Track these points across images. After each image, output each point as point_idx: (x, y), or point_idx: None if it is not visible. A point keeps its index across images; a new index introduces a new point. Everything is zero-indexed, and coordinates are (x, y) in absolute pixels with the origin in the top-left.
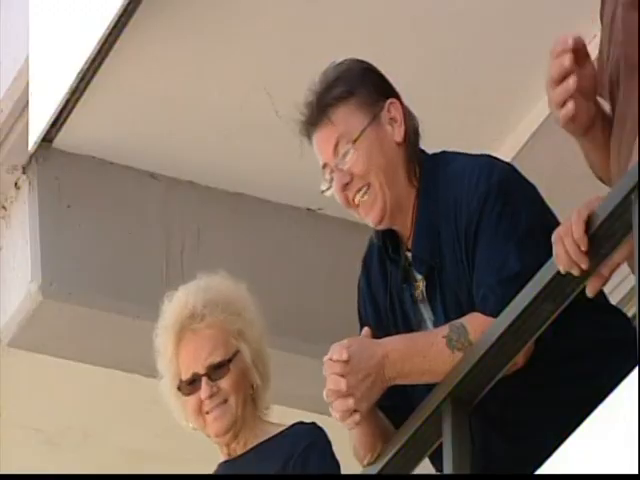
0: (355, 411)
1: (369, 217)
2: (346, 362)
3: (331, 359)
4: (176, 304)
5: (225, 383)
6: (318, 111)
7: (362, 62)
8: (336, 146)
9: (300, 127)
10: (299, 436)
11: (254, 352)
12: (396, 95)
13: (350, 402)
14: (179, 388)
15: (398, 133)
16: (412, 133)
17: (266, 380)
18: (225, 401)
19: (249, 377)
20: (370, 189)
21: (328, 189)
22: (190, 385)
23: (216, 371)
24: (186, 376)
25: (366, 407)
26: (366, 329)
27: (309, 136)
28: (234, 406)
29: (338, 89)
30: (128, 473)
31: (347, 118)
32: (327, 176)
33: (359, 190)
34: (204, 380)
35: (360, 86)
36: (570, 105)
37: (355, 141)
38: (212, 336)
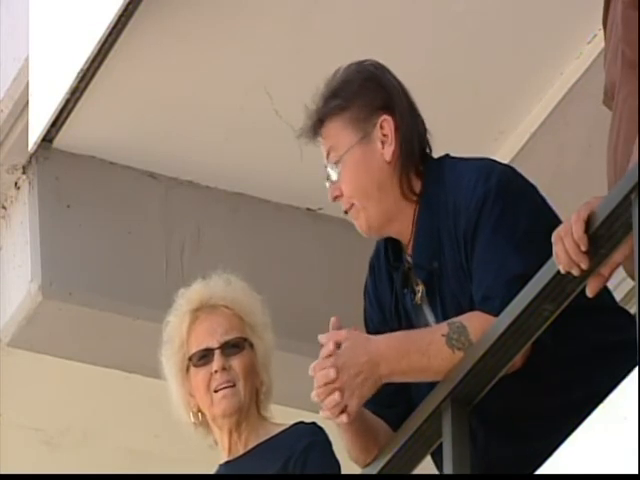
0: (345, 409)
1: (357, 228)
2: (333, 353)
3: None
4: (196, 288)
5: (236, 363)
6: (315, 122)
7: (364, 72)
8: (327, 155)
9: (301, 134)
10: (299, 435)
11: (265, 353)
12: (392, 109)
13: (337, 396)
14: (190, 359)
15: (387, 152)
16: (405, 148)
17: (270, 388)
18: (233, 385)
19: (258, 373)
20: (354, 208)
21: None
22: (201, 359)
23: (230, 348)
24: (198, 349)
25: (357, 404)
26: (334, 318)
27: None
28: (242, 392)
29: (334, 102)
30: (128, 473)
31: (337, 133)
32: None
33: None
34: (217, 353)
35: (355, 100)
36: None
37: (340, 158)
38: (230, 315)
